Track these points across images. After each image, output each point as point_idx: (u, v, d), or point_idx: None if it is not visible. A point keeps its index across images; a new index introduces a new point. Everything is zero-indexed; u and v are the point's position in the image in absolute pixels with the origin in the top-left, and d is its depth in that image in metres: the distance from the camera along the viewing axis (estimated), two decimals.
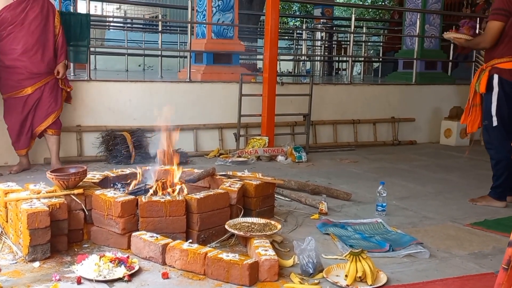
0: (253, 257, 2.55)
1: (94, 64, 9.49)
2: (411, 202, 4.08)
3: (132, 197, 2.87)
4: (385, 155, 6.19)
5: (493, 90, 3.87)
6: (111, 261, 2.48)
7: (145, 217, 2.81)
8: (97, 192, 2.92)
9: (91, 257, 2.53)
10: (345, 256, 2.57)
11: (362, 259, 2.47)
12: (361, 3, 23.21)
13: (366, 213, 3.68)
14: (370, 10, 21.21)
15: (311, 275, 2.51)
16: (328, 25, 11.79)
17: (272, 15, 5.65)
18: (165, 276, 2.47)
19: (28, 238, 2.56)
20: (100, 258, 2.50)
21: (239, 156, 5.47)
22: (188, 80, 6.04)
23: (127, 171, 3.56)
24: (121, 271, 2.44)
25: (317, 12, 12.72)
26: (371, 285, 2.43)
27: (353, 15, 7.51)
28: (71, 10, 7.45)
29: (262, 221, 3.00)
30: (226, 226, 2.89)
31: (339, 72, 12.32)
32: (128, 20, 14.14)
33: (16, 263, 2.61)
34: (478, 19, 7.81)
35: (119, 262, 2.49)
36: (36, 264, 2.58)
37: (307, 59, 11.78)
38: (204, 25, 6.79)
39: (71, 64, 5.89)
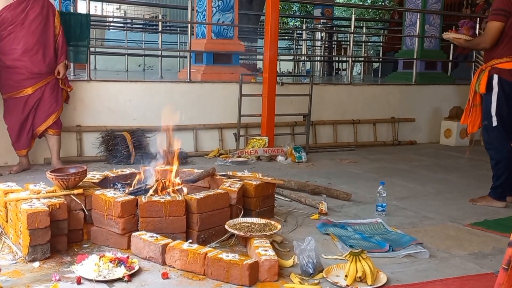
0: (253, 257, 2.55)
1: (94, 64, 9.49)
2: (411, 202, 4.08)
3: (132, 197, 2.87)
4: (385, 155, 6.19)
5: (492, 90, 3.87)
6: (111, 261, 2.48)
7: (145, 217, 2.81)
8: (97, 192, 2.92)
9: (91, 257, 2.53)
10: (345, 256, 2.57)
11: (362, 259, 2.47)
12: (361, 3, 23.21)
13: (366, 213, 3.68)
14: (370, 10, 21.23)
15: (311, 275, 2.51)
16: (328, 25, 11.79)
17: (272, 15, 5.65)
18: (165, 276, 2.47)
19: (28, 238, 2.56)
20: (100, 258, 2.50)
21: (239, 156, 5.47)
22: (188, 80, 6.04)
23: (127, 171, 3.56)
24: (121, 271, 2.44)
25: (317, 12, 12.72)
26: (371, 285, 2.43)
27: (353, 15, 7.51)
28: (71, 10, 7.45)
29: (262, 221, 3.00)
30: (226, 226, 2.89)
31: (339, 72, 12.32)
32: (128, 20, 14.13)
33: (16, 263, 2.61)
34: (478, 19, 7.81)
35: (119, 262, 2.49)
36: (36, 264, 2.58)
37: (307, 59, 11.78)
38: (204, 25, 6.79)
39: (71, 64, 5.89)
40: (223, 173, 3.57)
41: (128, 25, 13.22)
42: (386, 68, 10.50)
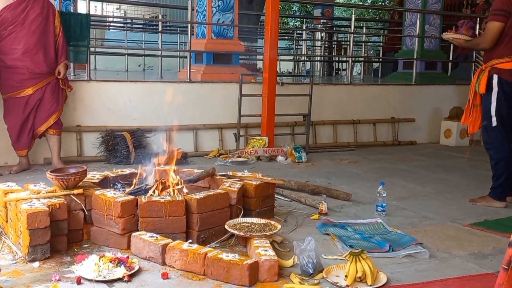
0: (253, 257, 2.55)
1: (94, 64, 9.49)
2: (411, 202, 4.08)
3: (132, 197, 2.87)
4: (385, 156, 6.19)
5: (492, 90, 3.87)
6: (110, 261, 2.48)
7: (145, 217, 2.81)
8: (97, 192, 2.92)
9: (91, 257, 2.53)
10: (345, 257, 2.57)
11: (362, 259, 2.47)
12: (361, 3, 23.22)
13: (366, 213, 3.68)
14: (370, 10, 21.24)
15: (311, 275, 2.51)
16: (328, 25, 11.78)
17: (272, 15, 5.65)
18: (164, 276, 2.47)
19: (27, 238, 2.56)
20: (99, 258, 2.50)
21: (239, 156, 5.47)
22: (188, 80, 6.04)
23: (127, 171, 3.56)
24: (120, 271, 2.44)
25: (317, 12, 12.71)
26: (371, 285, 2.43)
27: (353, 16, 7.51)
28: (71, 10, 7.46)
29: (262, 221, 3.00)
30: (226, 226, 2.89)
31: (339, 72, 12.32)
32: (128, 20, 14.13)
33: (15, 263, 2.61)
34: (478, 19, 7.81)
35: (119, 262, 2.49)
36: (36, 264, 2.58)
37: (307, 59, 11.78)
38: (204, 25, 6.79)
39: (71, 64, 5.89)
40: (223, 173, 3.57)
41: (128, 25, 13.22)
42: (386, 68, 10.50)
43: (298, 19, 21.54)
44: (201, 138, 5.90)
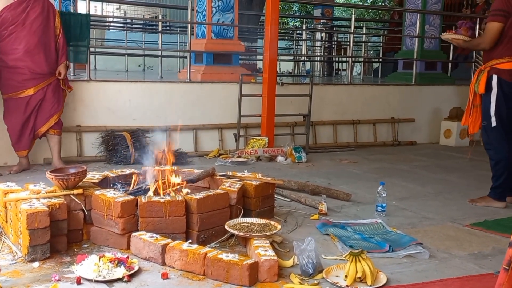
0: (253, 257, 2.55)
1: (94, 64, 9.48)
2: (410, 202, 4.08)
3: (131, 197, 2.87)
4: (385, 156, 6.19)
5: (492, 90, 3.87)
6: (110, 262, 2.48)
7: (145, 217, 2.81)
8: (97, 192, 2.92)
9: (91, 257, 2.53)
10: (345, 257, 2.57)
11: (362, 259, 2.47)
12: (361, 3, 23.22)
13: (365, 214, 3.68)
14: (370, 10, 21.23)
15: (310, 275, 2.51)
16: (328, 26, 11.78)
17: (272, 15, 5.65)
18: (164, 276, 2.47)
19: (27, 238, 2.56)
20: (99, 258, 2.50)
21: (239, 157, 5.47)
22: (188, 80, 6.04)
23: (127, 171, 3.56)
24: (120, 272, 2.44)
25: (317, 12, 12.71)
26: (370, 285, 2.43)
27: (353, 16, 7.51)
28: (71, 10, 7.45)
29: (262, 221, 3.00)
30: (225, 227, 2.89)
31: (339, 72, 12.32)
32: (128, 20, 14.13)
33: (15, 263, 2.61)
34: (478, 19, 7.81)
35: (119, 262, 2.49)
36: (36, 264, 2.58)
37: (307, 59, 11.78)
38: (204, 25, 6.79)
39: (71, 64, 5.89)
40: (223, 173, 3.56)
41: (128, 25, 13.22)
42: (386, 69, 10.50)
43: (298, 19, 21.54)
44: (201, 138, 5.90)
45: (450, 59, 8.30)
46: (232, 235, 2.95)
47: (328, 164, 5.60)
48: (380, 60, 11.88)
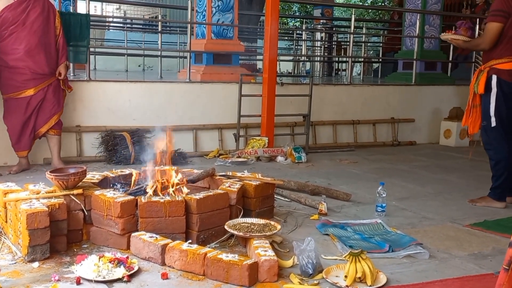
0: (253, 257, 2.55)
1: (93, 64, 9.48)
2: (410, 202, 4.08)
3: (131, 197, 2.87)
4: (385, 156, 6.19)
5: (491, 91, 3.87)
6: (110, 262, 2.48)
7: (145, 217, 2.81)
8: (97, 192, 2.92)
9: (91, 257, 2.53)
10: (345, 257, 2.57)
11: (361, 259, 2.47)
12: (361, 3, 23.22)
13: (365, 214, 3.68)
14: (370, 10, 21.23)
15: (310, 275, 2.51)
16: (328, 26, 11.78)
17: (272, 15, 5.65)
18: (164, 276, 2.47)
19: (27, 239, 2.56)
20: (99, 258, 2.50)
21: (239, 157, 5.47)
22: (187, 80, 6.04)
23: (127, 171, 3.55)
24: (120, 272, 2.44)
25: (316, 12, 12.71)
26: (370, 285, 2.43)
27: (352, 16, 7.51)
28: (71, 10, 7.45)
29: (262, 221, 3.00)
30: (225, 227, 2.89)
31: (339, 72, 12.32)
32: (128, 21, 14.13)
33: (15, 263, 2.61)
34: (478, 20, 7.81)
35: (119, 262, 2.49)
36: (35, 264, 2.58)
37: (307, 59, 11.77)
38: (204, 26, 6.79)
39: (71, 64, 5.89)
40: (223, 174, 3.56)
41: (128, 25, 13.22)
42: (386, 69, 10.50)
43: (298, 20, 21.55)
44: (201, 138, 5.90)
45: (450, 59, 8.30)
46: (232, 235, 2.95)
47: (328, 164, 5.60)
48: (380, 60, 11.87)
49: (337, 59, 12.32)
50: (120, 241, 2.81)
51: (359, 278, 2.45)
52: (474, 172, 5.35)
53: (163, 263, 2.60)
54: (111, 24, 13.63)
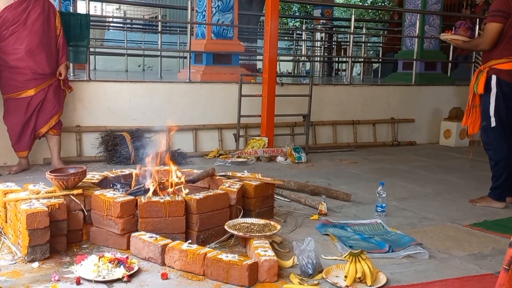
0: (253, 257, 2.55)
1: (93, 65, 9.48)
2: (410, 203, 4.08)
3: (131, 197, 2.87)
4: (385, 156, 6.19)
5: (491, 91, 3.87)
6: (110, 262, 2.48)
7: (145, 217, 2.81)
8: (97, 192, 2.92)
9: (90, 257, 2.53)
10: (345, 257, 2.57)
11: (361, 259, 2.47)
12: (360, 4, 23.22)
13: (365, 214, 3.68)
14: (370, 10, 21.23)
15: (310, 275, 2.51)
16: (328, 26, 11.78)
17: (272, 15, 5.65)
18: (164, 276, 2.47)
19: (27, 239, 2.56)
20: (99, 258, 2.50)
21: (239, 157, 5.47)
22: (187, 80, 6.04)
23: (127, 171, 3.56)
24: (120, 272, 2.44)
25: (316, 12, 12.71)
26: (370, 285, 2.43)
27: (352, 16, 7.51)
28: (71, 11, 7.45)
29: (262, 221, 3.00)
30: (225, 227, 2.89)
31: (339, 72, 12.32)
32: (128, 21, 14.13)
33: (15, 263, 2.61)
34: (478, 20, 7.81)
35: (118, 262, 2.49)
36: (35, 264, 2.58)
37: (307, 59, 11.77)
38: (204, 26, 6.78)
39: (71, 65, 5.89)
40: (223, 174, 3.56)
41: (128, 26, 13.22)
42: (385, 69, 10.50)
43: (298, 20, 21.55)
44: (200, 139, 5.90)
45: (450, 59, 8.30)
46: (232, 235, 2.95)
47: (328, 164, 5.60)
48: (380, 60, 11.87)
49: (337, 59, 12.32)
50: (120, 241, 2.81)
51: (359, 278, 2.45)
52: (474, 172, 5.35)
53: (163, 263, 2.60)
54: (111, 24, 13.63)
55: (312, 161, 5.65)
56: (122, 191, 3.12)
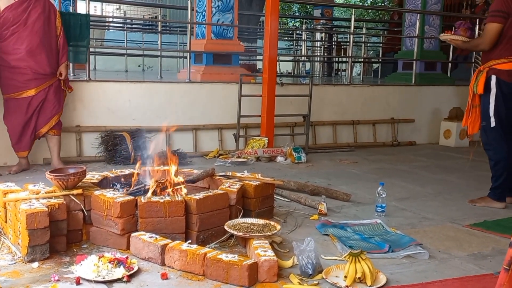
0: (253, 257, 2.55)
1: (93, 65, 9.49)
2: (410, 203, 4.08)
3: (131, 197, 2.87)
4: (385, 156, 6.19)
5: (490, 91, 3.87)
6: (110, 262, 2.48)
7: (144, 217, 2.81)
8: (96, 192, 2.92)
9: (90, 257, 2.53)
10: (345, 257, 2.57)
11: (361, 260, 2.47)
12: (360, 4, 23.22)
13: (365, 214, 3.68)
14: (370, 11, 21.23)
15: (310, 276, 2.51)
16: (328, 26, 11.79)
17: (272, 15, 5.65)
18: (164, 276, 2.46)
19: (27, 239, 2.56)
20: (99, 258, 2.50)
21: (239, 157, 5.47)
22: (187, 80, 6.04)
23: (127, 171, 3.55)
24: (120, 272, 2.44)
25: (316, 12, 12.71)
26: (370, 286, 2.43)
27: (352, 16, 7.50)
28: (71, 11, 7.45)
29: (262, 221, 3.00)
30: (225, 227, 2.89)
31: (339, 73, 12.32)
32: (128, 21, 14.13)
33: (15, 263, 2.61)
34: (478, 20, 7.81)
35: (118, 262, 2.49)
36: (35, 264, 2.58)
37: (307, 59, 11.77)
38: (204, 26, 6.79)
39: (71, 65, 5.88)
40: (223, 174, 3.56)
41: (128, 26, 13.23)
42: (385, 69, 10.50)
43: (298, 20, 21.55)
44: (200, 139, 5.90)
45: (450, 59, 8.30)
46: (232, 235, 2.95)
47: (328, 164, 5.60)
48: (380, 60, 11.88)
49: (337, 59, 12.32)
50: (119, 241, 2.81)
51: (359, 278, 2.45)
52: (474, 172, 5.34)
53: (163, 263, 2.59)
54: (111, 24, 13.64)
55: (312, 161, 5.65)
56: (122, 191, 3.12)
